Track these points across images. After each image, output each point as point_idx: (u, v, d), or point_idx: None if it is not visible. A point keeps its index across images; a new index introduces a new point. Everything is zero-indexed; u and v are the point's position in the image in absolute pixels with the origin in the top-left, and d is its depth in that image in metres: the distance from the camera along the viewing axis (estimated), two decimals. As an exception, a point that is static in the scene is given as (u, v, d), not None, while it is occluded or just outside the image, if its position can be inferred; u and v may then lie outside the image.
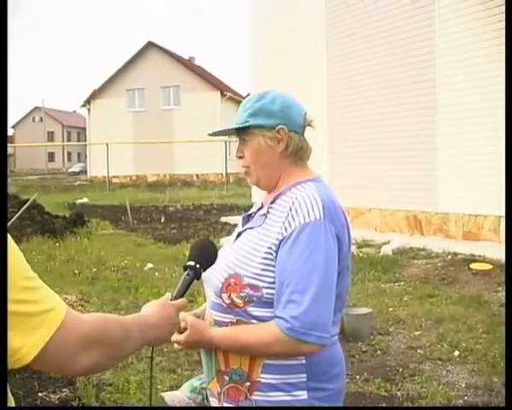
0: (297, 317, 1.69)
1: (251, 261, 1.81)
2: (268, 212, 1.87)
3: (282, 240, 1.77)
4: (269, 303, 1.78)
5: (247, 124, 1.88)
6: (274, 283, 1.77)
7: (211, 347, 1.84)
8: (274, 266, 1.77)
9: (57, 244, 11.30)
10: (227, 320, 1.83)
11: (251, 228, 1.90)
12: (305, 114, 1.94)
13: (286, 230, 1.77)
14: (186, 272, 1.77)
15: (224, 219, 15.41)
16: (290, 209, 1.79)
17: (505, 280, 2.63)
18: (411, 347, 5.55)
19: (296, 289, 1.71)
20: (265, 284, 1.78)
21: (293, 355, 1.77)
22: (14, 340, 1.11)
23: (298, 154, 1.91)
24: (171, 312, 1.62)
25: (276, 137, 1.87)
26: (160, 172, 38.62)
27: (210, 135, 2.10)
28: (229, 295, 1.81)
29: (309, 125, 1.95)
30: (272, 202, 1.88)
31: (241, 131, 1.91)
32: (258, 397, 1.80)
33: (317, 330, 1.71)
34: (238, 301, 1.80)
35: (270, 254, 1.79)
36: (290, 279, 1.72)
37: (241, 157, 1.95)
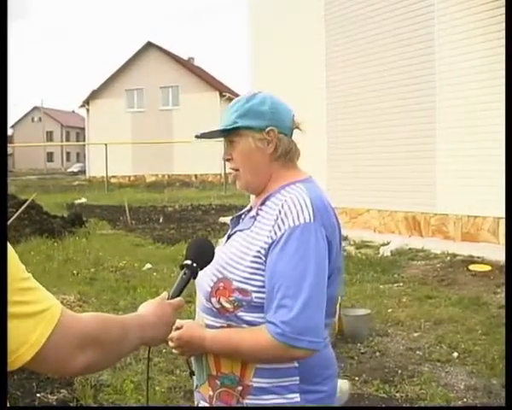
0: (288, 322, 1.67)
1: (240, 265, 1.78)
2: (257, 214, 1.84)
3: (272, 243, 1.74)
4: (259, 308, 1.76)
5: (235, 125, 1.85)
6: (263, 287, 1.74)
7: (202, 347, 1.82)
8: (263, 270, 1.75)
9: (55, 244, 11.30)
10: (218, 325, 1.82)
11: (240, 230, 1.87)
12: (293, 116, 1.91)
13: (275, 233, 1.74)
14: (183, 271, 1.76)
15: (222, 219, 15.39)
16: (280, 212, 1.76)
17: (505, 281, 2.62)
18: (410, 348, 5.54)
19: (287, 293, 1.69)
20: (254, 288, 1.76)
21: (285, 360, 1.75)
22: (11, 341, 1.11)
23: (287, 156, 1.88)
24: (168, 311, 1.61)
25: (266, 139, 1.84)
26: (158, 173, 38.62)
27: (199, 137, 1.99)
28: (219, 300, 1.79)
29: (297, 127, 1.92)
30: (262, 204, 1.85)
31: (229, 133, 1.88)
32: (251, 401, 1.78)
33: (308, 335, 1.68)
34: (228, 305, 1.78)
35: (260, 257, 1.76)
36: (280, 284, 1.70)
37: (228, 160, 1.91)
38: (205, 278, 1.83)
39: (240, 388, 1.79)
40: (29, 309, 1.14)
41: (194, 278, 1.78)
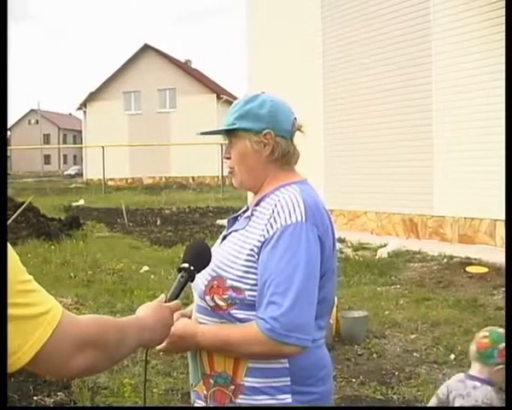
0: (277, 318, 1.69)
1: (233, 264, 1.81)
2: (252, 214, 1.88)
3: (264, 242, 1.77)
4: (252, 305, 1.78)
5: (233, 126, 1.89)
6: (256, 285, 1.77)
7: (194, 343, 1.84)
8: (256, 269, 1.77)
9: (53, 247, 11.28)
10: (211, 323, 1.84)
11: (235, 230, 1.90)
12: (295, 119, 1.93)
13: (268, 232, 1.77)
14: (180, 275, 1.77)
15: (219, 221, 15.39)
16: (272, 211, 1.79)
17: (505, 282, 2.63)
18: (407, 350, 5.55)
19: (277, 290, 1.71)
20: (248, 287, 1.78)
21: (274, 356, 1.76)
22: (11, 343, 1.11)
23: (284, 158, 1.91)
24: (165, 314, 1.62)
25: (263, 142, 1.87)
26: (155, 175, 38.57)
27: (201, 134, 2.06)
28: (213, 298, 1.82)
29: (298, 130, 1.94)
30: (256, 205, 1.89)
31: (229, 133, 1.92)
32: (243, 401, 1.80)
33: (296, 332, 1.70)
34: (221, 303, 1.80)
35: (253, 256, 1.79)
36: (271, 281, 1.72)
37: (228, 158, 1.96)
38: (200, 278, 1.85)
39: (232, 387, 1.80)
40: (30, 311, 1.14)
41: (192, 281, 1.79)
